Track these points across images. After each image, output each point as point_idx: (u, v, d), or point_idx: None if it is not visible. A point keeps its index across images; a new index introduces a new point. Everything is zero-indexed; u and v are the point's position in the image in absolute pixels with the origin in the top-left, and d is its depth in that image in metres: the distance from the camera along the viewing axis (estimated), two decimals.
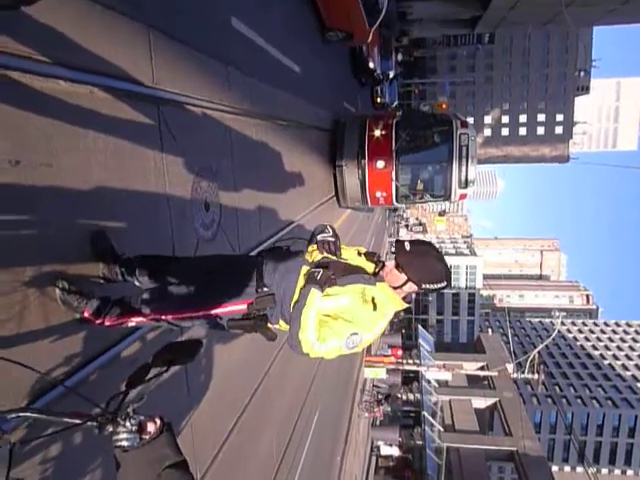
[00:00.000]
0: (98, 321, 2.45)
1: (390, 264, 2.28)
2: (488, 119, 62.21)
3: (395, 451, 23.62)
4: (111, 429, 1.13)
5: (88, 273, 2.60)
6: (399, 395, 26.14)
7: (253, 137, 5.72)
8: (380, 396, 23.51)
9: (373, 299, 2.24)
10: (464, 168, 10.53)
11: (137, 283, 2.65)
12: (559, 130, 60.57)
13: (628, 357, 64.73)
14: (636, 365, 62.44)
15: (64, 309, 2.41)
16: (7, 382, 2.06)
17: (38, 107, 2.31)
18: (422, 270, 2.21)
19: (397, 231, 58.41)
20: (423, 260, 2.21)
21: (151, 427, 1.18)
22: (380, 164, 10.87)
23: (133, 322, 2.48)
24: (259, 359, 5.93)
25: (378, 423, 23.67)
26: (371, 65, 16.72)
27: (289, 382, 7.56)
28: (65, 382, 2.45)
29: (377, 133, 10.96)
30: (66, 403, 2.21)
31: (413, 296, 2.48)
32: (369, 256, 2.46)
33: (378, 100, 21.77)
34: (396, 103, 26.17)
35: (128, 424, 1.14)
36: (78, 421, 1.14)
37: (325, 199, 10.48)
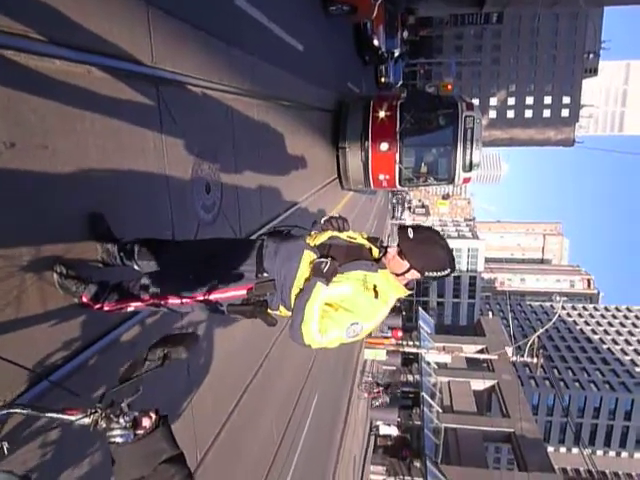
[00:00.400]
0: (97, 306, 2.42)
1: (392, 250, 2.25)
2: (494, 101, 61.35)
3: (394, 431, 23.92)
4: (104, 425, 1.11)
5: (86, 257, 2.57)
6: (400, 379, 26.26)
7: (255, 118, 5.63)
8: (379, 382, 23.66)
9: (375, 287, 2.21)
10: (469, 151, 10.41)
11: (136, 267, 2.62)
12: (565, 113, 59.73)
13: (627, 342, 65.07)
14: (635, 350, 62.80)
15: (62, 294, 2.38)
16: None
17: (33, 88, 2.25)
18: (425, 258, 2.18)
19: (400, 213, 58.19)
20: (426, 247, 2.18)
21: (146, 422, 1.16)
22: (384, 146, 10.75)
23: (132, 307, 2.46)
24: (260, 342, 5.95)
25: (377, 403, 23.92)
26: (376, 43, 16.36)
27: (289, 364, 7.61)
28: (64, 366, 2.44)
29: (381, 114, 10.81)
30: (59, 394, 2.21)
31: (415, 282, 2.45)
32: (372, 241, 2.43)
33: (382, 80, 21.40)
34: (401, 83, 25.73)
35: (122, 420, 1.11)
36: (72, 418, 1.11)
37: (327, 181, 10.40)
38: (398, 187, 11.74)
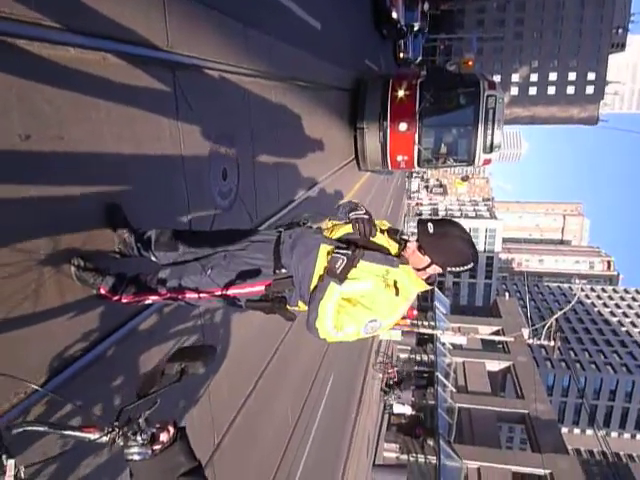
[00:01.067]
0: (115, 298, 2.41)
1: (412, 245, 2.16)
2: (516, 77, 59.62)
3: (407, 410, 24.10)
4: (122, 444, 1.09)
5: (103, 249, 2.56)
6: (414, 375, 25.75)
7: (272, 100, 5.53)
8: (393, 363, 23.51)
9: (395, 283, 2.15)
10: (490, 132, 10.16)
11: (153, 258, 2.59)
12: (590, 90, 57.80)
13: None
14: None
15: (80, 286, 2.37)
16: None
17: (47, 77, 2.20)
18: (446, 253, 2.10)
19: (417, 192, 57.54)
20: (447, 242, 2.09)
21: (164, 437, 1.14)
22: (402, 126, 10.54)
23: (149, 300, 2.45)
24: (276, 327, 5.96)
25: (392, 383, 24.09)
26: (394, 15, 15.87)
27: (305, 347, 7.64)
28: (83, 357, 2.45)
29: (400, 94, 10.57)
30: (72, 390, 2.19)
31: (437, 276, 2.37)
32: (392, 233, 2.36)
33: (401, 55, 20.88)
34: (420, 59, 25.06)
35: (139, 438, 1.09)
36: (89, 436, 1.09)
37: (344, 162, 10.27)
38: (416, 168, 11.56)
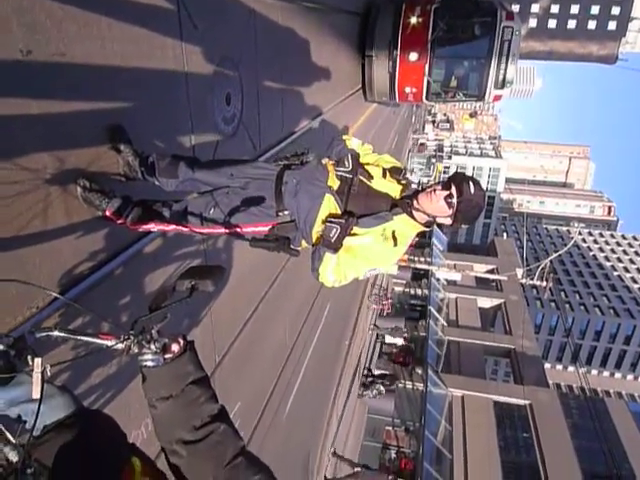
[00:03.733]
0: (119, 221, 2.46)
1: (441, 193, 2.06)
2: (536, 7, 56.22)
3: (399, 340, 25.08)
4: (136, 351, 1.18)
5: (108, 170, 2.57)
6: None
7: (278, 22, 5.29)
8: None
9: (393, 233, 2.19)
10: (503, 66, 9.77)
11: (157, 183, 2.61)
12: (612, 26, 54.69)
13: (639, 270, 65.19)
14: None
15: (86, 207, 2.41)
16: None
17: None
18: (468, 220, 2.13)
19: (422, 127, 56.20)
20: (476, 209, 2.09)
21: (175, 347, 1.23)
22: (413, 56, 10.11)
23: (155, 228, 2.51)
24: (277, 256, 6.07)
25: (385, 314, 24.88)
26: None
27: (304, 276, 7.83)
28: (91, 276, 2.54)
29: (413, 20, 10.03)
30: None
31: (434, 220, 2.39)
32: (394, 174, 2.34)
33: None
34: None
35: (152, 346, 1.18)
36: (106, 343, 1.18)
37: (351, 92, 9.97)
38: (424, 101, 11.24)
